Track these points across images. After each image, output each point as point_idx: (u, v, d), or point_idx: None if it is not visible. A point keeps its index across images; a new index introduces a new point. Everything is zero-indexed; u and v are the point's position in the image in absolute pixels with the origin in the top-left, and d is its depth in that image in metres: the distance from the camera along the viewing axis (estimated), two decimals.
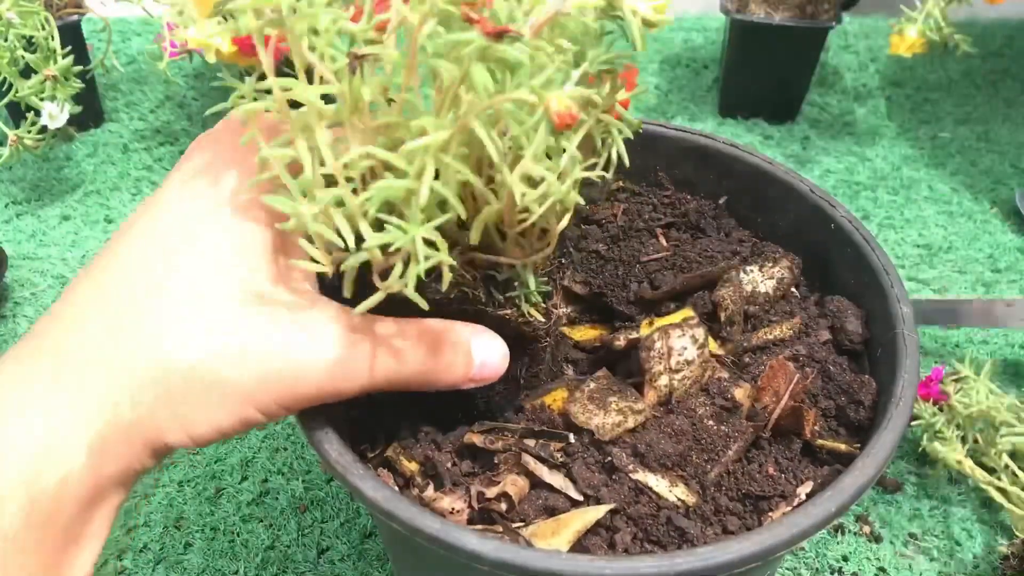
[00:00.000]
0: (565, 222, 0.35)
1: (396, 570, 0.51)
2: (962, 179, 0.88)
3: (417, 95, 0.31)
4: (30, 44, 0.70)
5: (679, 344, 0.40)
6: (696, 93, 1.00)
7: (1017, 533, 0.54)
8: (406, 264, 0.30)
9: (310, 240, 0.31)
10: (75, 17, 0.84)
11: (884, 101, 0.99)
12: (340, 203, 0.30)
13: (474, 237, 0.33)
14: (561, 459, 0.37)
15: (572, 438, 0.38)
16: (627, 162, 0.35)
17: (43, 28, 0.71)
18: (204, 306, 0.31)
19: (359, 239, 0.30)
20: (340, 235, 0.30)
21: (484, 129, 0.29)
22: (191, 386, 0.31)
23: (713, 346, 0.42)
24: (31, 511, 0.28)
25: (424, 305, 0.31)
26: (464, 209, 0.31)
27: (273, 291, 0.32)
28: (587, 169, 0.33)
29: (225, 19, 0.44)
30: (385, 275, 0.31)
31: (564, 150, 0.31)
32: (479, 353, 0.34)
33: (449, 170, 0.30)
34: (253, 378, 0.31)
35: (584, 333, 0.45)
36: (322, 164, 0.30)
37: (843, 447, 0.38)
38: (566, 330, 0.45)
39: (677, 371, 0.39)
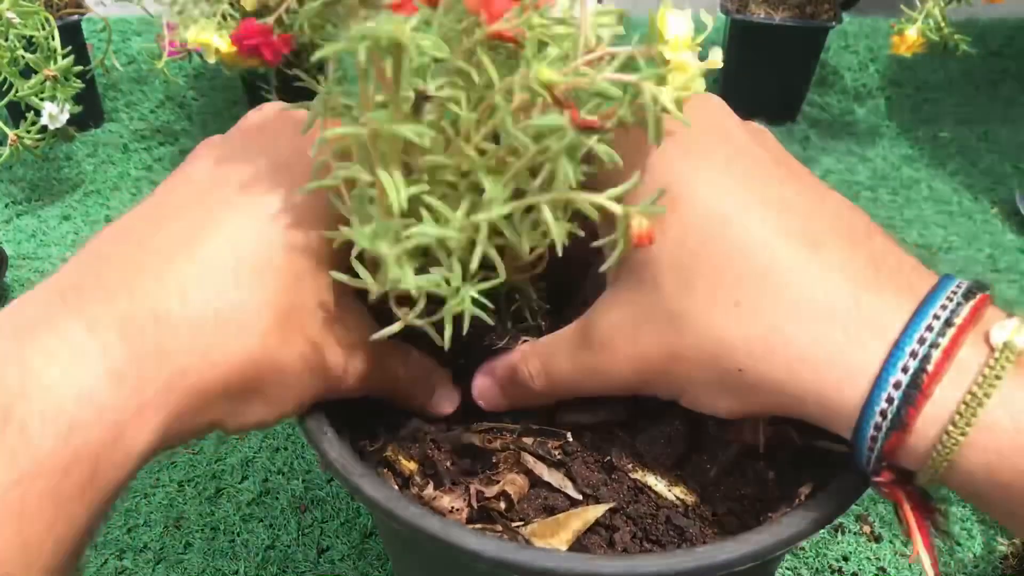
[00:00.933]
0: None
1: (396, 569, 0.51)
2: (962, 179, 0.88)
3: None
4: (30, 44, 0.70)
5: None
6: None
7: None
8: (429, 302, 0.30)
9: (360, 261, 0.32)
10: (75, 17, 0.84)
11: (884, 101, 0.99)
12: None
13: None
14: (559, 457, 0.37)
15: (570, 436, 0.38)
16: None
17: (43, 28, 0.71)
18: (284, 309, 0.32)
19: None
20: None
21: (557, 220, 0.29)
22: (273, 380, 0.32)
23: None
24: (94, 480, 0.27)
25: (445, 344, 0.31)
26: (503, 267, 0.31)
27: (324, 306, 0.34)
28: None
29: (224, 19, 0.44)
30: (402, 302, 0.31)
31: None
32: (438, 396, 0.39)
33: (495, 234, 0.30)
34: (309, 371, 0.33)
35: None
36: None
37: (842, 448, 0.38)
38: None
39: None
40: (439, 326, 0.31)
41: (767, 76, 0.92)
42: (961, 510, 0.57)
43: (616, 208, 0.28)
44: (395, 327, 0.32)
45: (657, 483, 0.36)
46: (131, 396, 0.28)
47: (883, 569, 0.54)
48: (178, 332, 0.29)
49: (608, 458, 0.37)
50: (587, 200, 0.28)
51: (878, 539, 0.55)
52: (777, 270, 0.29)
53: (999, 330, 0.27)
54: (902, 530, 0.30)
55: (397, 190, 0.29)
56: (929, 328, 0.27)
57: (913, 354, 0.27)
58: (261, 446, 0.61)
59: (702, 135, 0.32)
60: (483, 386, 0.38)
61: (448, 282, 0.29)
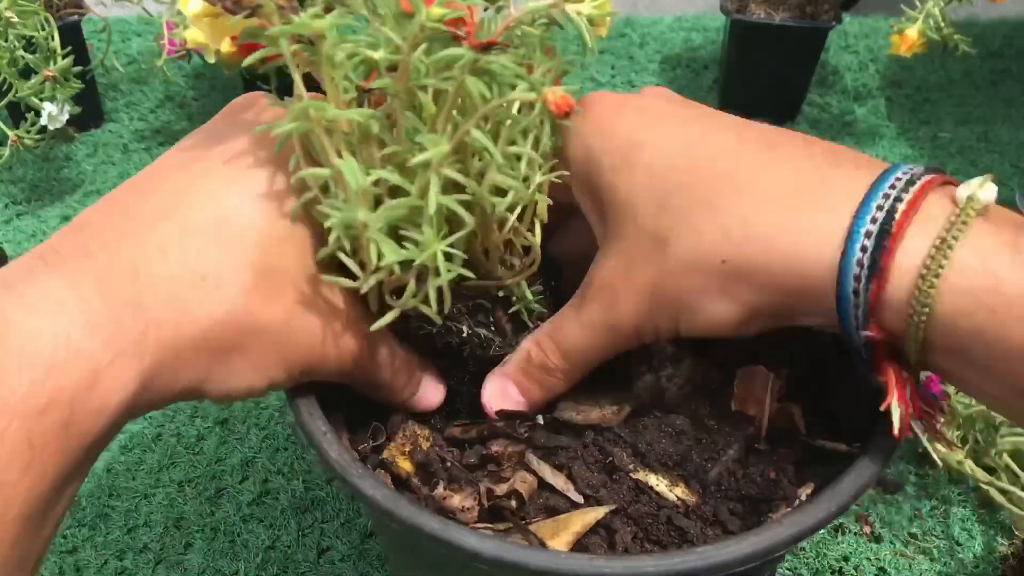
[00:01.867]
0: (539, 236, 0.36)
1: (393, 570, 0.51)
2: (962, 179, 0.88)
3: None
4: (30, 44, 0.70)
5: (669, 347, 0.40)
6: (696, 93, 1.00)
7: (1017, 533, 0.54)
8: (419, 281, 0.32)
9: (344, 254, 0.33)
10: (75, 17, 0.84)
11: (884, 101, 0.99)
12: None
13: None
14: (526, 434, 0.38)
15: (540, 419, 0.38)
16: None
17: (43, 28, 0.71)
18: (265, 269, 0.32)
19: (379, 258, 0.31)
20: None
21: (484, 136, 0.30)
22: (255, 340, 0.32)
23: None
24: (70, 426, 0.27)
25: (438, 320, 0.33)
26: (471, 219, 0.32)
27: (307, 272, 0.34)
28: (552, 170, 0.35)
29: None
30: (398, 293, 0.33)
31: (519, 157, 0.33)
32: (422, 390, 0.40)
33: (451, 185, 0.31)
34: (292, 334, 0.33)
35: None
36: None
37: (843, 447, 0.38)
38: None
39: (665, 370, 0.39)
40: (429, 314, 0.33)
41: (767, 76, 0.92)
42: (961, 510, 0.57)
43: (531, 95, 0.31)
44: (392, 314, 0.33)
45: (658, 483, 0.36)
46: (106, 344, 0.28)
47: (883, 569, 0.54)
48: (157, 286, 0.30)
49: (610, 459, 0.37)
50: (507, 100, 0.31)
51: (878, 539, 0.55)
52: (742, 169, 0.32)
53: (964, 187, 0.29)
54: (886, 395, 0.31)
55: (354, 174, 0.30)
56: (893, 187, 0.29)
57: (880, 207, 0.29)
58: (261, 446, 0.61)
59: (654, 102, 0.36)
60: (495, 390, 0.38)
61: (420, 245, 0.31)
